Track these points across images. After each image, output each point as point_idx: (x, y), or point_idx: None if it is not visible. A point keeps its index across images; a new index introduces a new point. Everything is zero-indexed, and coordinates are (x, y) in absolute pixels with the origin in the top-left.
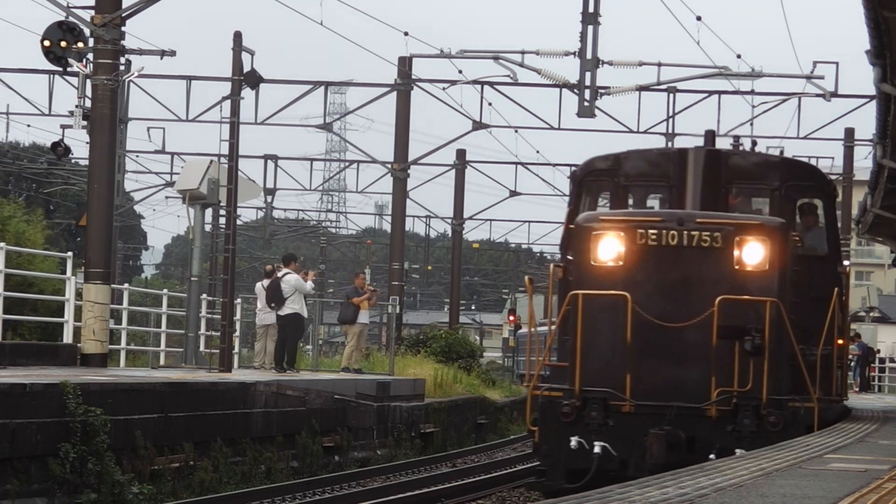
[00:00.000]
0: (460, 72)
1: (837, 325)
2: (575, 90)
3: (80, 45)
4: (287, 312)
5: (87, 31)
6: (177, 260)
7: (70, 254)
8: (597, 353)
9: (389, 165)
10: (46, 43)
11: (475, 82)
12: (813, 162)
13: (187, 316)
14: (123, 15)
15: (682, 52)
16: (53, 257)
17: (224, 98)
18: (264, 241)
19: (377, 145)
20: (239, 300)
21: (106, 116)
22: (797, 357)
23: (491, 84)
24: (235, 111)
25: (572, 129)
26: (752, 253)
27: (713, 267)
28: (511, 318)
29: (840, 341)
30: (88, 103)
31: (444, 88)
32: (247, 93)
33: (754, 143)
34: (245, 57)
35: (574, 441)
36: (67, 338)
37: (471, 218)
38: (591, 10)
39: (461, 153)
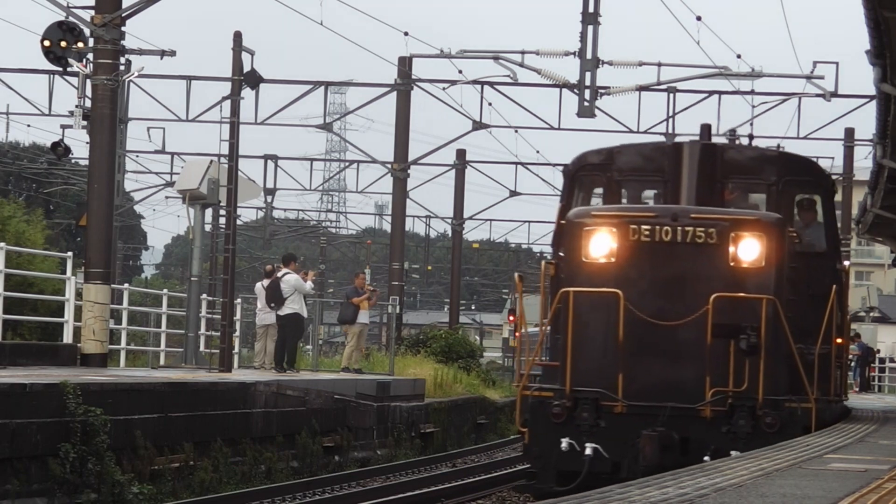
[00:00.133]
0: (460, 72)
1: (836, 324)
2: (575, 90)
3: (80, 45)
4: (287, 312)
5: (87, 31)
6: (177, 260)
7: (70, 254)
8: (588, 353)
9: (389, 165)
10: (46, 43)
11: (475, 82)
12: None
13: (187, 316)
14: (123, 15)
15: (682, 52)
16: (53, 257)
17: (224, 98)
18: (264, 241)
19: (377, 145)
20: (239, 300)
21: (106, 116)
22: (794, 356)
23: (491, 84)
24: (235, 111)
25: (572, 129)
26: (748, 249)
27: (708, 263)
28: (511, 318)
29: (839, 340)
30: (88, 103)
31: (444, 88)
32: (247, 93)
33: (751, 138)
34: (245, 57)
35: (565, 443)
36: (67, 338)
37: (471, 218)
38: (591, 10)
39: (461, 153)
